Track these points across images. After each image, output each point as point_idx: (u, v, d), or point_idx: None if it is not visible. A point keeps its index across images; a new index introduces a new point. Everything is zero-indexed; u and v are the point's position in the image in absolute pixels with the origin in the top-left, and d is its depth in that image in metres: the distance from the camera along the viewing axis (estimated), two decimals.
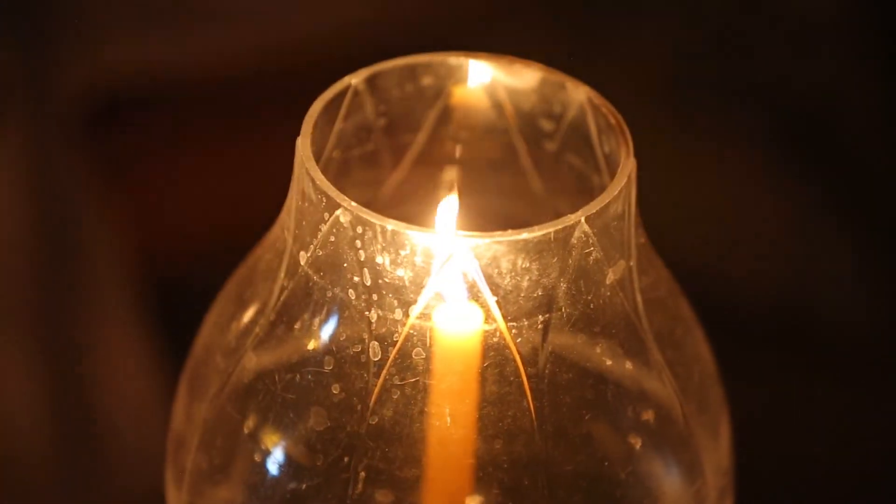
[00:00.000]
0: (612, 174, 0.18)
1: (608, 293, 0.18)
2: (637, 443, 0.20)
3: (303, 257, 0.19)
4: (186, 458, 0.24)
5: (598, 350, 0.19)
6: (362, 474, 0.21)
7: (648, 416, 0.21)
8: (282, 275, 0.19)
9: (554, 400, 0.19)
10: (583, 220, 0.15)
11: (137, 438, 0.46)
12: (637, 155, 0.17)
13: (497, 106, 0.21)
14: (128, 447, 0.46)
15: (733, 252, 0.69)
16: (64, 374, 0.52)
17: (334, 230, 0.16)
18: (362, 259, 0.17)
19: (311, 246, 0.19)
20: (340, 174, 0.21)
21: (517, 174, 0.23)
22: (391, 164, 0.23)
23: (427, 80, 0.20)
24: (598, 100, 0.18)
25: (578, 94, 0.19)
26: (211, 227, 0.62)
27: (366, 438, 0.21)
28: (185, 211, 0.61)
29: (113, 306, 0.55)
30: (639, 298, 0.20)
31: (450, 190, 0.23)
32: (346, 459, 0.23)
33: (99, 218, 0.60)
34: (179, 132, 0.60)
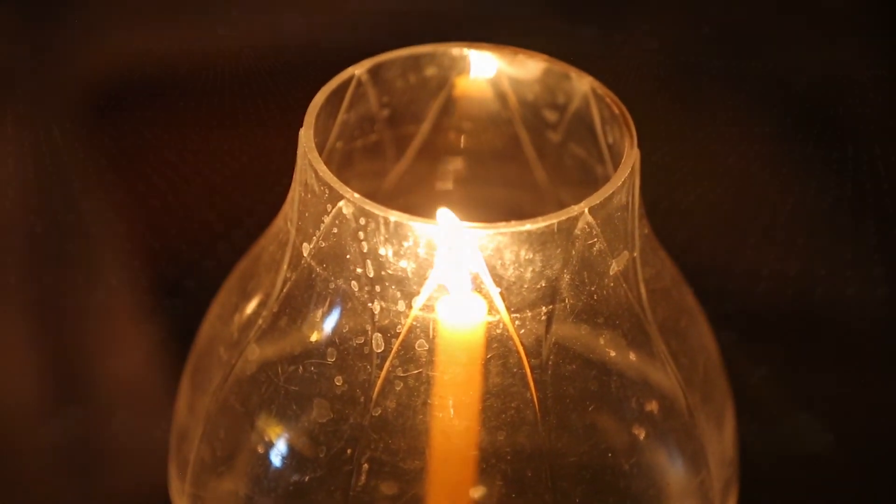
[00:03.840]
0: (616, 164, 0.18)
1: (612, 284, 0.18)
2: (641, 434, 0.20)
3: (306, 248, 0.19)
4: (190, 450, 0.25)
5: (602, 341, 0.19)
6: (365, 466, 0.22)
7: (652, 406, 0.21)
8: (285, 266, 0.19)
9: (557, 391, 0.19)
10: (586, 210, 0.14)
11: (139, 432, 0.46)
12: (641, 145, 0.17)
13: (501, 96, 0.21)
14: (129, 440, 0.47)
15: (740, 243, 0.69)
16: (61, 366, 0.53)
17: (337, 221, 0.16)
18: (365, 250, 0.17)
19: (314, 237, 0.19)
20: (344, 165, 0.21)
21: (521, 165, 0.23)
22: (395, 155, 0.23)
23: (430, 71, 0.20)
24: (602, 90, 0.18)
25: (582, 84, 0.19)
26: (214, 219, 0.61)
27: (369, 430, 0.21)
28: (188, 202, 0.61)
29: (114, 297, 0.56)
30: (643, 289, 0.19)
31: (453, 181, 0.23)
32: (349, 451, 0.23)
33: (99, 207, 0.60)
34: (182, 122, 0.60)
